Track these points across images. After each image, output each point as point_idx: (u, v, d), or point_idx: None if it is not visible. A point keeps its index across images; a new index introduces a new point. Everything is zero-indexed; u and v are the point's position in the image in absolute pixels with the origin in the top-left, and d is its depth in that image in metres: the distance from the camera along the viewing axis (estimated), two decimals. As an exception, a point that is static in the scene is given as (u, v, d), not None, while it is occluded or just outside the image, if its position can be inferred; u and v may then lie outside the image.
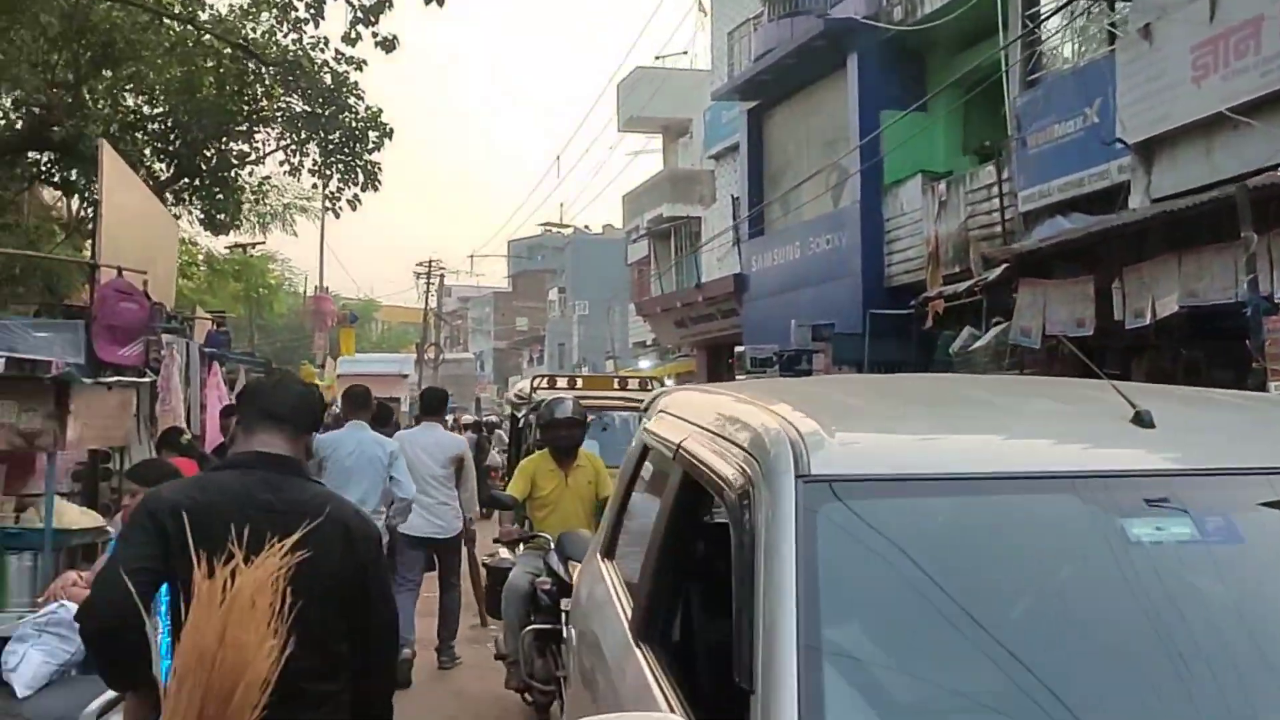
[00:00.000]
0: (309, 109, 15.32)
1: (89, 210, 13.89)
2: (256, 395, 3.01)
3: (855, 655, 1.93)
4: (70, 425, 5.32)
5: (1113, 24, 10.97)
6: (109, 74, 13.89)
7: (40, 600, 4.69)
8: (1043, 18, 12.08)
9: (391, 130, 15.58)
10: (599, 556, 3.90)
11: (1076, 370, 9.12)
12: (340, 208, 16.20)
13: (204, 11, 14.41)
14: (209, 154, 15.52)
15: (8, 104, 14.10)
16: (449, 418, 12.02)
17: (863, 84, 15.79)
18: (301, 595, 2.53)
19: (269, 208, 22.11)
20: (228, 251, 26.92)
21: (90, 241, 10.37)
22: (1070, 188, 11.19)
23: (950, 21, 13.46)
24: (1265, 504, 2.14)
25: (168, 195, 14.60)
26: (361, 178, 15.63)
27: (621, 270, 35.36)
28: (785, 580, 1.90)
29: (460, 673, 8.07)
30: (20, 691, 4.08)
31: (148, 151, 14.83)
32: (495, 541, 7.30)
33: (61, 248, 13.88)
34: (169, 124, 15.13)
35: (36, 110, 13.19)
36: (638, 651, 2.76)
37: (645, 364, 28.82)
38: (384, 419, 8.52)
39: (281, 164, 16.50)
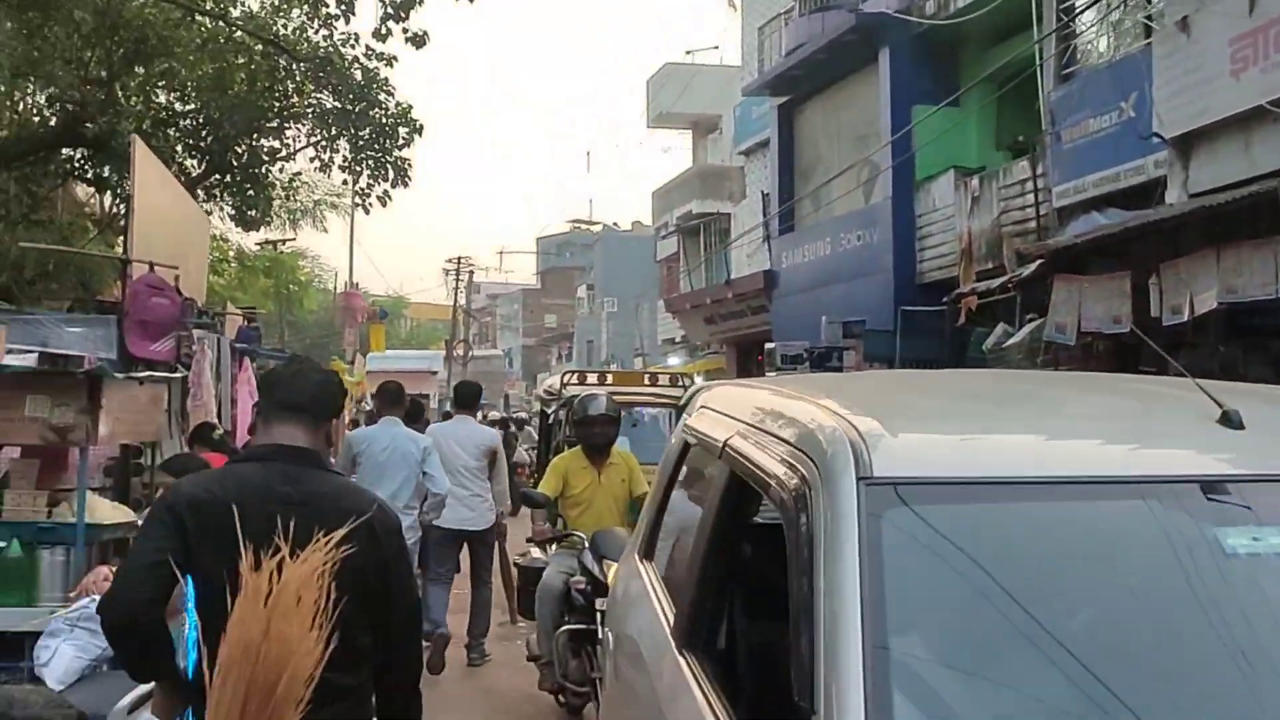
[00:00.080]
0: (339, 105, 15.38)
1: (121, 206, 13.98)
2: (275, 386, 2.97)
3: (925, 675, 1.79)
4: (102, 420, 5.34)
5: (1149, 17, 10.80)
6: (141, 71, 13.98)
7: (72, 595, 4.71)
8: (1077, 11, 11.93)
9: (422, 126, 15.63)
10: (637, 557, 3.76)
11: (1112, 367, 9.01)
12: (370, 204, 16.29)
13: (235, 8, 14.48)
14: (240, 150, 15.60)
15: (42, 100, 14.21)
16: (477, 414, 12.04)
17: (894, 79, 15.67)
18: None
19: (299, 204, 22.27)
20: (258, 248, 27.08)
21: (122, 237, 10.43)
22: (1105, 183, 11.03)
23: (983, 15, 13.31)
24: None
25: (199, 191, 14.69)
26: (391, 174, 15.68)
27: (650, 267, 35.33)
28: (848, 592, 1.78)
29: (490, 670, 8.05)
30: (52, 686, 4.09)
31: (179, 148, 14.92)
32: (528, 541, 7.16)
33: (94, 244, 13.97)
34: (200, 120, 15.22)
35: (70, 107, 13.28)
36: (681, 660, 2.62)
37: (674, 361, 28.77)
38: (415, 415, 8.54)
39: (312, 160, 16.60)
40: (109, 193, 14.84)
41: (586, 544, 6.09)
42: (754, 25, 22.09)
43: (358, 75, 14.99)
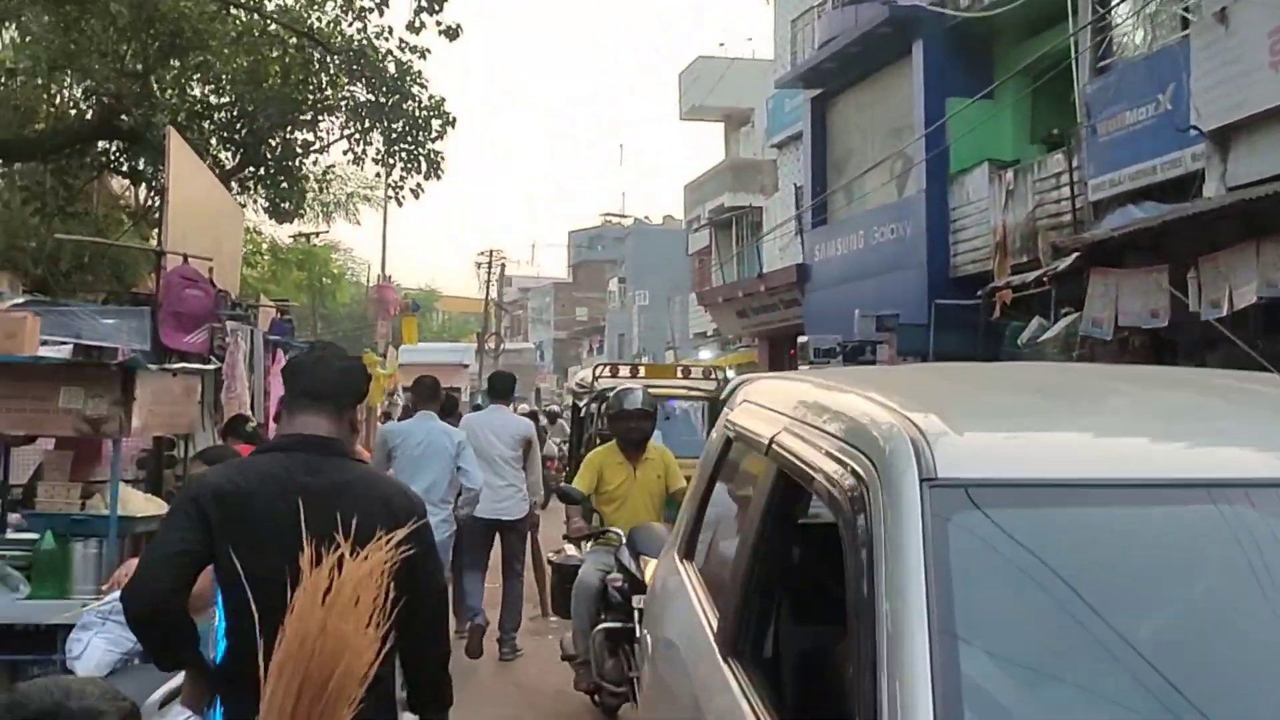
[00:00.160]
0: (373, 98, 15.41)
1: (156, 199, 14.10)
2: (297, 374, 2.96)
3: (997, 690, 1.65)
4: (136, 412, 5.33)
5: (1186, 8, 10.65)
6: (176, 64, 14.06)
7: (104, 588, 4.72)
8: (1113, 4, 11.77)
9: (454, 119, 15.64)
10: (676, 557, 3.61)
11: (1148, 362, 8.88)
12: (403, 196, 16.33)
13: (270, 1, 14.55)
14: (274, 143, 15.67)
15: (78, 94, 14.32)
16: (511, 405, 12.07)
17: (928, 72, 15.54)
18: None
19: (332, 197, 22.36)
20: (291, 241, 27.26)
21: (157, 230, 10.51)
22: (1142, 176, 10.92)
23: (1017, 8, 13.16)
24: None
25: (233, 184, 14.77)
26: (424, 166, 15.70)
27: (682, 261, 35.27)
28: (913, 603, 1.64)
29: (522, 664, 8.04)
30: (83, 678, 4.10)
31: (214, 141, 15.00)
32: (565, 539, 7.00)
33: (129, 236, 14.09)
34: (235, 113, 15.30)
35: (106, 100, 13.38)
36: (726, 668, 2.50)
37: (706, 354, 28.69)
38: (450, 409, 8.57)
39: (345, 153, 16.63)
40: (144, 185, 14.96)
41: (624, 540, 5.95)
42: (787, 18, 21.97)
43: (391, 68, 15.02)
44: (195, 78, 14.89)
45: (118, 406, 5.25)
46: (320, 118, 16.09)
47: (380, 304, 27.52)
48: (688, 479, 5.23)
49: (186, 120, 13.66)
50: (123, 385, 5.28)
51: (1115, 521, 1.85)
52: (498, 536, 8.24)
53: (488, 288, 48.57)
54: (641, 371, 11.41)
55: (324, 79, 15.24)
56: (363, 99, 15.61)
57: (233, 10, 13.89)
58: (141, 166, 14.23)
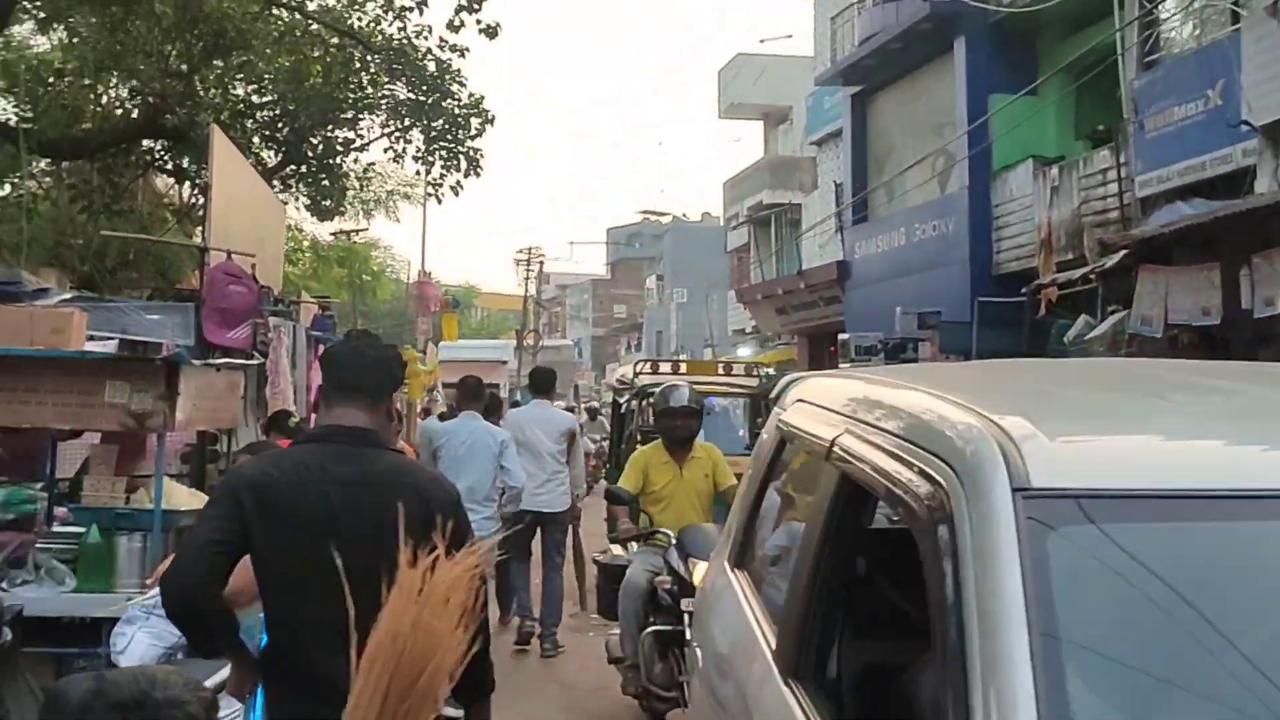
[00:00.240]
0: (413, 96, 15.50)
1: (199, 196, 14.23)
2: (333, 366, 2.99)
3: None
4: (179, 406, 5.36)
5: (1236, 2, 10.45)
6: (220, 63, 14.20)
7: (149, 582, 4.74)
8: (1160, -2, 11.58)
9: (494, 117, 15.69)
10: (727, 565, 3.40)
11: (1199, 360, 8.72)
12: (443, 194, 16.40)
13: (312, 1, 14.65)
14: (315, 141, 15.80)
15: (124, 93, 14.49)
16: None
17: (971, 68, 15.39)
18: (377, 563, 2.52)
19: (373, 194, 22.49)
20: (332, 238, 27.44)
21: (200, 227, 10.60)
22: (1191, 172, 10.74)
23: (1061, 3, 13.00)
24: None
25: (275, 182, 14.90)
26: (463, 164, 15.77)
27: (720, 258, 35.16)
28: (1013, 630, 1.45)
29: (563, 661, 8.02)
30: (127, 673, 4.11)
31: (256, 139, 15.15)
32: (611, 540, 6.87)
33: (173, 233, 14.23)
34: (277, 112, 15.44)
35: (151, 99, 13.53)
36: (786, 690, 2.32)
37: (744, 352, 28.58)
38: (493, 408, 8.64)
39: (385, 151, 16.77)
40: (187, 183, 15.11)
41: (673, 541, 5.79)
42: (826, 15, 21.82)
43: (431, 66, 15.09)
44: (238, 77, 15.03)
45: (162, 401, 5.27)
46: (361, 116, 16.21)
47: (421, 300, 27.63)
48: (738, 477, 5.14)
49: (229, 119, 13.79)
50: (167, 380, 5.31)
51: (1237, 538, 1.64)
52: (539, 532, 8.26)
53: (526, 284, 48.72)
54: (683, 368, 11.38)
55: (365, 78, 15.34)
56: (403, 97, 15.71)
57: (275, 10, 14.00)
58: (185, 165, 14.40)
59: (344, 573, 2.63)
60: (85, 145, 12.97)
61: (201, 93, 13.95)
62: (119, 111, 14.34)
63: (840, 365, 14.84)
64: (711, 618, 3.48)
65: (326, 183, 16.22)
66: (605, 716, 6.84)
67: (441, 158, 15.86)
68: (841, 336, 16.25)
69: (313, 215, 17.86)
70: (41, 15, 12.40)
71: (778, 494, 3.37)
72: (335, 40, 14.63)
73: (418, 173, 18.46)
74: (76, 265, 12.08)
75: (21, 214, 11.50)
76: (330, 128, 15.87)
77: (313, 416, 9.12)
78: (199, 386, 5.79)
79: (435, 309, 27.14)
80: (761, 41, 32.21)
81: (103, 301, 7.94)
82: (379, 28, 15.06)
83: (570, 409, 22.22)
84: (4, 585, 4.95)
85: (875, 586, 2.71)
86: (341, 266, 30.18)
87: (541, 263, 50.92)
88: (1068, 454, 1.73)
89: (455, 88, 15.35)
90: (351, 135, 16.58)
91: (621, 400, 11.33)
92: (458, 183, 15.96)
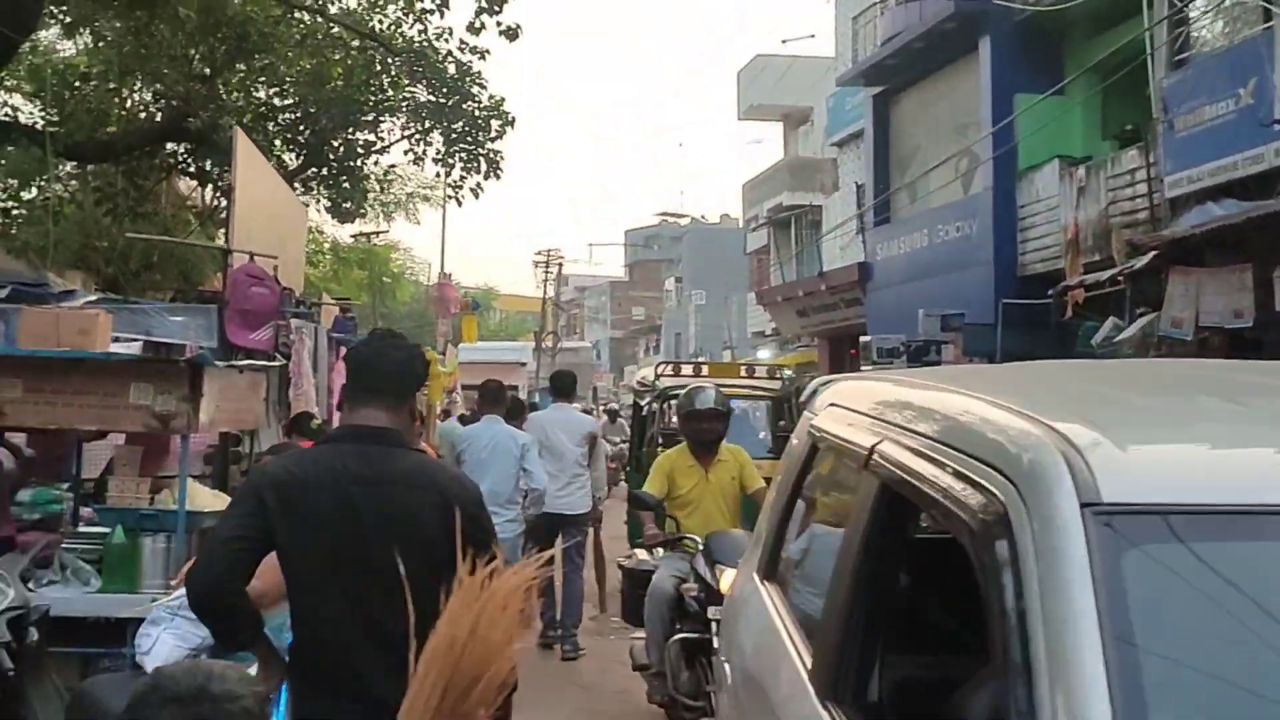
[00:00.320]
0: (433, 98, 15.52)
1: (221, 199, 14.29)
2: (357, 369, 3.04)
3: None
4: (203, 408, 5.35)
5: (1269, 0, 10.32)
6: (242, 67, 14.25)
7: (173, 583, 4.72)
8: (1190, -3, 11.45)
9: (514, 119, 15.69)
10: (757, 577, 3.26)
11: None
12: (463, 196, 16.42)
13: (333, 4, 14.69)
14: (336, 144, 15.85)
15: (148, 97, 14.56)
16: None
17: (996, 67, 15.24)
18: (398, 561, 2.60)
19: (393, 196, 22.54)
20: (352, 240, 27.50)
21: (222, 230, 10.62)
22: (1221, 172, 10.59)
23: (1088, 2, 12.86)
24: None
25: (296, 185, 14.95)
26: (484, 166, 15.77)
27: (739, 260, 35.11)
28: (1088, 658, 1.32)
29: (583, 664, 8.00)
30: (152, 674, 4.09)
31: (278, 142, 15.20)
32: (636, 545, 6.78)
33: (195, 236, 14.29)
34: (298, 115, 15.49)
35: (174, 102, 13.59)
36: (824, 714, 2.22)
37: (764, 354, 28.50)
38: (516, 412, 8.66)
39: (406, 153, 16.79)
40: (210, 186, 15.17)
41: (700, 547, 5.66)
42: (848, 15, 21.74)
43: (451, 69, 15.11)
44: (260, 80, 15.09)
45: (186, 403, 5.26)
46: (381, 118, 16.25)
47: (441, 302, 27.69)
48: (767, 480, 5.05)
49: (251, 122, 13.83)
50: (191, 382, 5.30)
51: None
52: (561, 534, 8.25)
53: (545, 287, 48.72)
54: (705, 371, 11.29)
55: (385, 80, 15.38)
56: (423, 99, 15.74)
57: (297, 13, 14.03)
58: (208, 167, 14.45)
59: (366, 571, 2.74)
60: (110, 148, 13.03)
61: (224, 96, 14.01)
62: (143, 115, 14.41)
63: (862, 368, 14.74)
64: (740, 631, 3.36)
65: (347, 185, 16.27)
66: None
67: (462, 160, 15.88)
68: (863, 339, 16.15)
69: (333, 217, 17.93)
70: (68, 20, 12.46)
71: (809, 502, 3.25)
72: (356, 43, 14.67)
73: (438, 175, 18.53)
74: (101, 267, 12.14)
75: (48, 217, 11.57)
76: (351, 130, 15.91)
77: (334, 418, 9.14)
78: (222, 388, 5.78)
79: (455, 311, 27.19)
80: (784, 42, 32.05)
81: (127, 303, 7.96)
82: (400, 30, 15.10)
83: (587, 411, 22.28)
84: (31, 585, 4.95)
85: (923, 603, 2.60)
86: (361, 268, 30.25)
87: (560, 264, 50.94)
88: (1140, 464, 1.58)
89: (476, 90, 15.36)
90: (372, 138, 16.63)
91: (643, 402, 11.25)
92: (478, 185, 15.97)
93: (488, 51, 14.98)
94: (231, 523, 2.80)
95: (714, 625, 4.99)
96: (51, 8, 11.22)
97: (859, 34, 20.56)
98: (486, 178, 15.88)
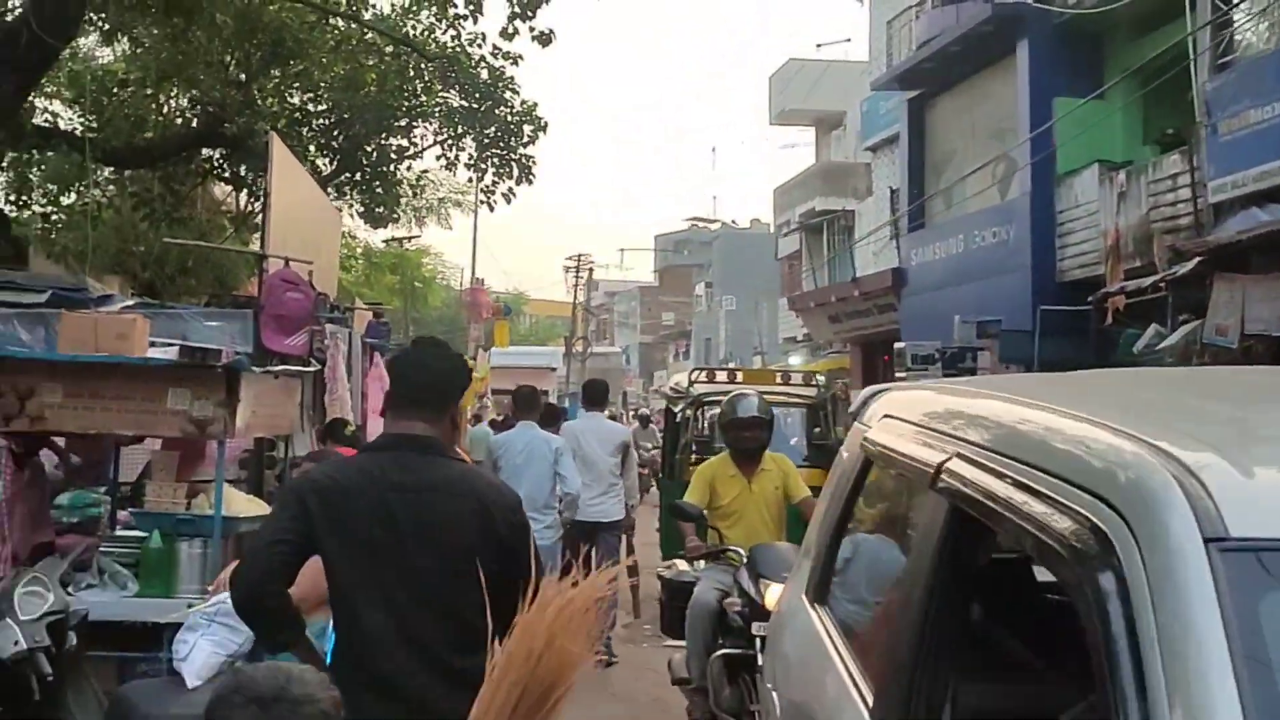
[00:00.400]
0: (466, 104, 15.56)
1: (255, 204, 14.37)
2: (399, 379, 3.12)
3: None
4: (240, 413, 5.35)
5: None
6: (277, 73, 14.34)
7: (210, 589, 4.71)
8: (1236, 1, 11.25)
9: (546, 124, 15.69)
10: (805, 600, 3.08)
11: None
12: (495, 201, 16.43)
13: (367, 10, 14.74)
14: (369, 149, 15.91)
15: (184, 102, 14.67)
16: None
17: (1034, 71, 15.06)
18: (436, 568, 2.76)
19: (425, 201, 22.62)
20: (385, 245, 27.63)
21: (256, 234, 10.68)
22: (1267, 177, 10.40)
23: (1127, 5, 12.69)
24: None
25: (329, 190, 15.01)
26: (516, 171, 15.78)
27: (770, 264, 34.98)
28: (1220, 713, 1.14)
29: (616, 672, 7.93)
30: (190, 682, 4.08)
31: (312, 147, 15.27)
32: (677, 556, 6.56)
33: (230, 241, 14.38)
34: (332, 120, 15.57)
35: (210, 108, 13.68)
36: None
37: (795, 360, 28.37)
38: (551, 418, 8.67)
39: (438, 158, 16.85)
40: (244, 191, 15.26)
41: (744, 560, 5.50)
42: (882, 19, 21.61)
43: (484, 74, 15.13)
44: (295, 86, 15.18)
45: (223, 408, 5.26)
46: (415, 124, 16.31)
47: (473, 307, 27.79)
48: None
49: (286, 127, 13.91)
50: (228, 387, 5.30)
51: None
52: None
53: (575, 291, 48.72)
54: (739, 377, 11.20)
55: (419, 85, 15.43)
56: (456, 105, 15.78)
57: (331, 20, 14.09)
58: (243, 172, 14.54)
59: (404, 576, 2.80)
60: (147, 154, 13.14)
61: (259, 101, 14.09)
62: (179, 120, 14.54)
63: (895, 374, 14.61)
64: (788, 656, 3.20)
65: (380, 190, 16.34)
66: (663, 730, 6.73)
67: (494, 165, 15.91)
68: (897, 345, 15.99)
69: (366, 223, 18.01)
70: (106, 27, 12.58)
71: (863, 521, 3.09)
72: (390, 49, 14.72)
73: (470, 180, 18.57)
74: (138, 272, 12.24)
75: (87, 222, 11.67)
76: (384, 135, 15.98)
77: (368, 423, 9.14)
78: (258, 393, 5.77)
79: (487, 316, 27.25)
80: (819, 46, 31.77)
81: (164, 308, 7.98)
82: (433, 36, 15.14)
83: (613, 417, 22.26)
84: (70, 590, 4.96)
85: (998, 634, 2.44)
86: (394, 273, 30.41)
87: (590, 269, 50.93)
88: (1268, 491, 1.37)
89: (508, 95, 15.37)
90: (405, 143, 16.70)
91: (676, 409, 11.16)
92: (510, 190, 15.99)
93: (520, 57, 15.01)
94: (275, 526, 2.88)
95: (758, 641, 4.85)
96: (91, 15, 11.31)
97: (894, 37, 20.43)
98: (519, 183, 15.91)
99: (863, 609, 2.89)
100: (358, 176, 16.17)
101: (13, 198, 13.91)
